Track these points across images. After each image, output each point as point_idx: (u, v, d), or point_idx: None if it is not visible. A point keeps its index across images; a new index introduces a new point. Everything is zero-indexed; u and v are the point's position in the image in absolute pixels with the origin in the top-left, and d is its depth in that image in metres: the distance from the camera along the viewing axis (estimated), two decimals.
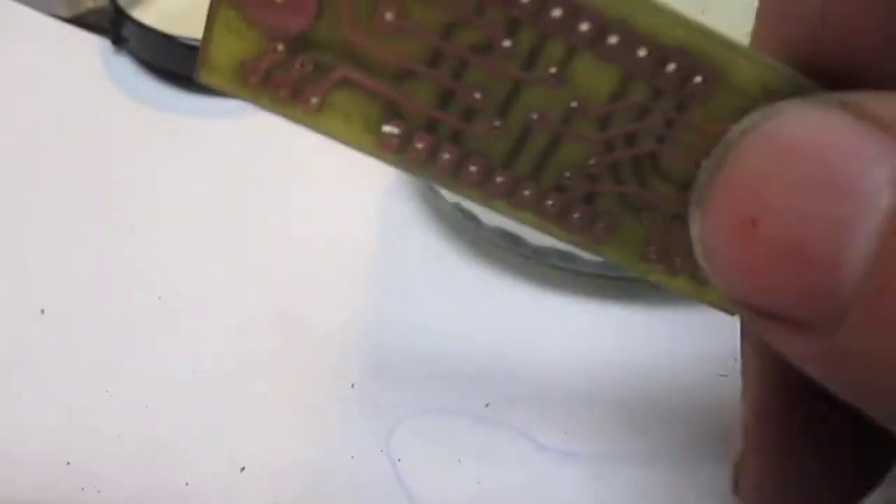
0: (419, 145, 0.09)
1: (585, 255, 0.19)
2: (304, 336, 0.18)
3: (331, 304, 0.19)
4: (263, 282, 0.20)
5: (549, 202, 0.10)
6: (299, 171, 0.24)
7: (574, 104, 0.09)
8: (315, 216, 0.23)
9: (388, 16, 0.08)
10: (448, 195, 0.21)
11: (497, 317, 0.20)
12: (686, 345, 0.19)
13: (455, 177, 0.09)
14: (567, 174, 0.09)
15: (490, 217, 0.20)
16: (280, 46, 0.09)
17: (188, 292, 0.19)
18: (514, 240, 0.20)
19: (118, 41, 0.27)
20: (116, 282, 0.19)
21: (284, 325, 0.19)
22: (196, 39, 0.27)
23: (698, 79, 0.09)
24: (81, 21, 0.31)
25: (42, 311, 0.18)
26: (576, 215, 0.10)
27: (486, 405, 0.17)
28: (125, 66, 0.28)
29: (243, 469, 0.15)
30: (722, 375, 0.19)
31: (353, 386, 0.17)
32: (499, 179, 0.09)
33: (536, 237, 0.20)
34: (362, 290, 0.20)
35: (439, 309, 0.20)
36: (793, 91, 0.09)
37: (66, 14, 0.31)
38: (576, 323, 0.20)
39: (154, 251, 0.20)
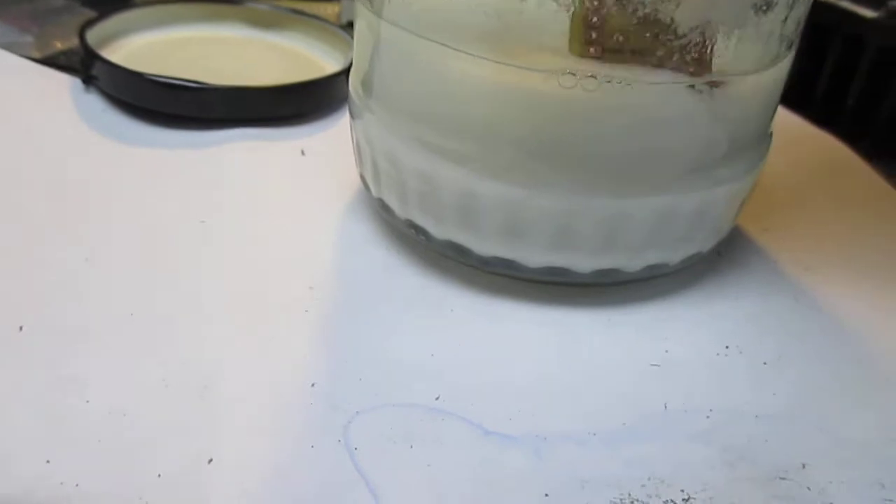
0: None
1: (526, 262, 0.21)
2: (268, 341, 0.20)
3: (293, 313, 0.21)
4: (230, 295, 0.21)
5: None
6: (262, 196, 0.26)
7: None
8: (278, 235, 0.24)
9: None
10: (400, 211, 0.23)
11: (447, 320, 0.21)
12: (621, 340, 0.21)
13: None
14: None
15: (439, 231, 0.22)
16: None
17: (159, 308, 0.21)
18: (461, 251, 0.22)
19: (88, 80, 0.29)
20: (91, 300, 0.21)
21: (250, 333, 0.20)
22: (162, 76, 0.29)
23: None
24: (52, 62, 0.32)
25: (20, 329, 0.19)
26: None
27: (437, 398, 0.19)
28: (95, 103, 0.29)
29: (211, 461, 0.17)
30: (653, 365, 0.20)
31: (313, 385, 0.19)
32: None
33: (482, 248, 0.21)
34: (322, 300, 0.22)
35: (393, 315, 0.21)
36: None
37: (38, 55, 0.33)
38: (518, 323, 0.21)
39: (126, 272, 0.22)
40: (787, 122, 0.35)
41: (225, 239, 0.24)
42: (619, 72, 0.18)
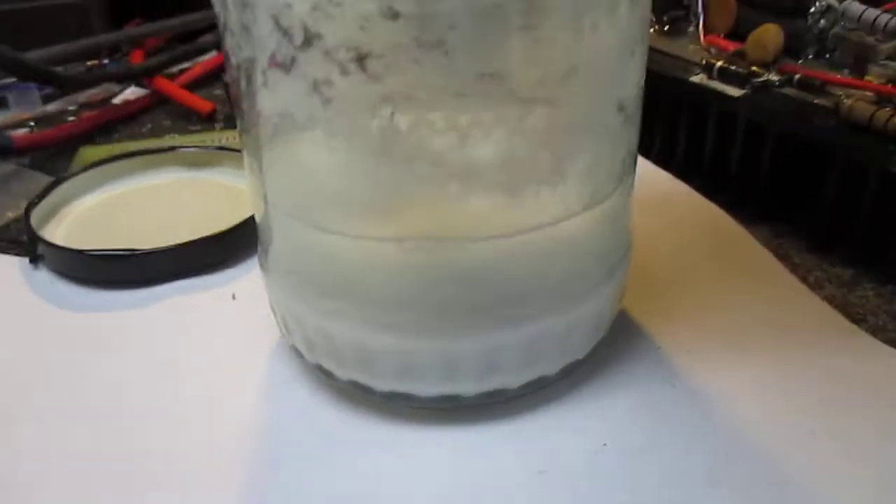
0: None
1: (420, 394, 0.24)
2: (192, 467, 0.23)
3: (218, 449, 0.24)
4: (166, 432, 0.24)
5: None
6: (191, 349, 0.29)
7: None
8: (204, 385, 0.27)
9: None
10: (309, 357, 0.26)
11: (356, 449, 0.24)
12: (511, 451, 0.24)
13: None
14: None
15: (342, 373, 0.25)
16: None
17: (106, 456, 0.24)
18: (364, 389, 0.25)
19: (35, 259, 0.32)
20: (32, 458, 0.23)
21: (175, 463, 0.23)
22: (98, 250, 0.32)
23: None
24: (3, 237, 0.35)
25: None
26: None
27: None
28: (43, 276, 0.33)
29: None
30: (541, 472, 0.23)
31: None
32: None
33: (380, 385, 0.24)
34: (246, 436, 0.24)
35: (307, 445, 0.24)
36: None
37: None
38: (421, 447, 0.24)
39: (78, 421, 0.25)
40: (675, 191, 0.38)
41: (159, 383, 0.27)
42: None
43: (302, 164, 0.22)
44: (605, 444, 0.24)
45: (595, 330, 0.25)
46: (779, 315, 0.29)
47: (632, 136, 0.24)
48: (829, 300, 0.31)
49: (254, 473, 0.23)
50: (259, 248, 0.26)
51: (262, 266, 0.26)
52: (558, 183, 0.21)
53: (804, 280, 0.32)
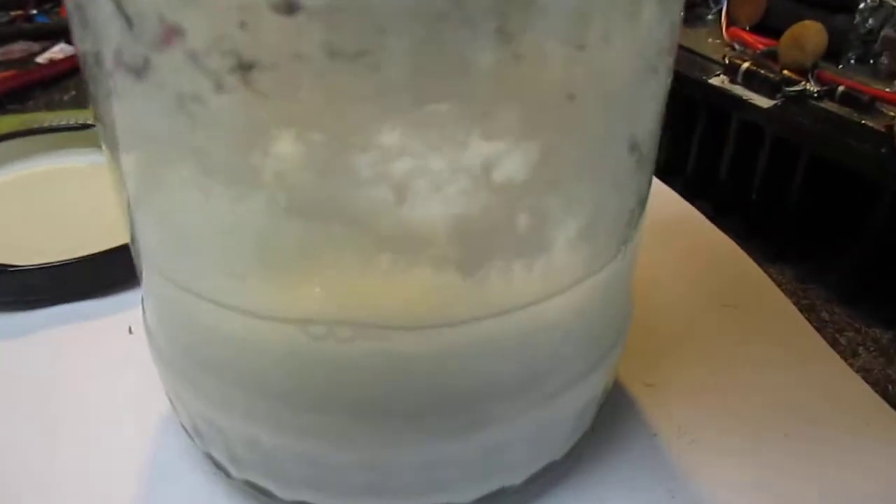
0: None
1: None
2: None
3: None
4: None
5: None
6: (73, 395, 0.23)
7: None
8: (84, 448, 0.21)
9: None
10: (199, 444, 0.19)
11: None
12: None
13: None
14: None
15: (238, 471, 0.19)
16: None
17: None
18: (265, 493, 0.19)
19: None
20: None
21: None
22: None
23: None
24: None
25: None
26: None
27: None
28: None
29: None
30: None
31: None
32: None
33: (286, 493, 0.18)
34: None
35: None
36: None
37: None
38: None
39: None
40: (682, 215, 0.32)
41: (8, 462, 0.20)
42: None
43: (172, 208, 0.15)
44: None
45: (574, 430, 0.19)
46: (804, 396, 0.23)
47: (643, 181, 0.17)
48: (865, 373, 0.25)
49: None
50: (143, 317, 0.20)
51: (147, 334, 0.20)
52: (539, 255, 0.15)
53: (834, 343, 0.26)
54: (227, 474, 0.19)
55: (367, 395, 0.16)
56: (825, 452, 0.22)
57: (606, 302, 0.18)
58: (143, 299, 0.19)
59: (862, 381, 0.24)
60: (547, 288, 0.16)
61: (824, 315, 0.28)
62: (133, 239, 0.17)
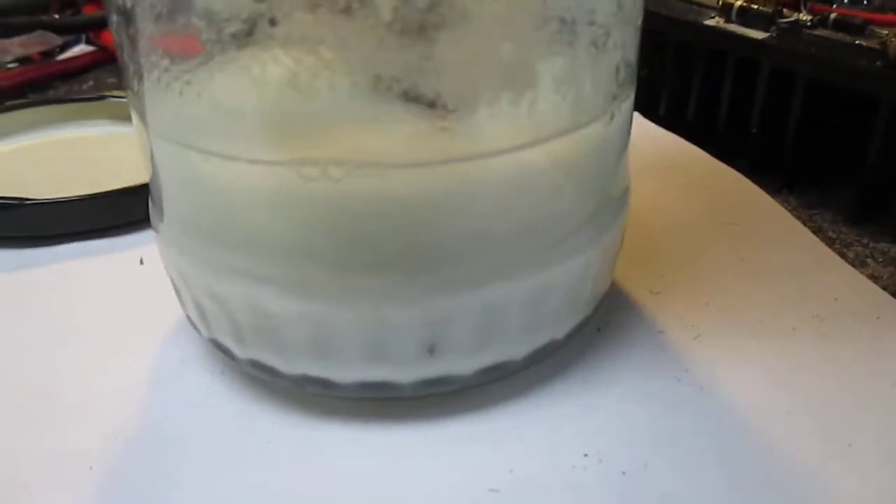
0: None
1: (340, 380, 0.18)
2: (86, 461, 0.17)
3: (109, 436, 0.18)
4: (45, 418, 0.18)
5: None
6: (88, 319, 0.23)
7: None
8: (100, 358, 0.21)
9: None
10: (204, 331, 0.20)
11: (264, 441, 0.18)
12: (455, 461, 0.18)
13: None
14: None
15: (242, 351, 0.19)
16: None
17: None
18: (269, 371, 0.19)
19: None
20: None
21: (67, 453, 0.17)
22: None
23: None
24: None
25: None
26: None
27: None
28: None
29: None
30: (492, 490, 0.17)
31: None
32: None
33: (290, 367, 0.18)
34: (142, 421, 0.19)
35: (208, 436, 0.18)
36: None
37: None
38: (339, 446, 0.18)
39: None
40: (685, 153, 0.32)
41: (37, 373, 0.21)
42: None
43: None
44: (585, 455, 0.18)
45: (571, 306, 0.19)
46: (812, 293, 0.23)
47: (628, 39, 0.18)
48: (874, 280, 0.25)
49: (128, 474, 0.18)
50: (150, 204, 0.20)
51: (154, 224, 0.20)
52: (525, 90, 0.15)
53: (842, 256, 0.26)
54: (233, 358, 0.19)
55: (362, 241, 0.16)
56: (835, 343, 0.21)
57: (597, 166, 0.18)
58: (152, 207, 0.20)
59: (871, 283, 0.24)
60: (535, 131, 0.16)
61: (831, 234, 0.28)
62: (144, 120, 0.18)
